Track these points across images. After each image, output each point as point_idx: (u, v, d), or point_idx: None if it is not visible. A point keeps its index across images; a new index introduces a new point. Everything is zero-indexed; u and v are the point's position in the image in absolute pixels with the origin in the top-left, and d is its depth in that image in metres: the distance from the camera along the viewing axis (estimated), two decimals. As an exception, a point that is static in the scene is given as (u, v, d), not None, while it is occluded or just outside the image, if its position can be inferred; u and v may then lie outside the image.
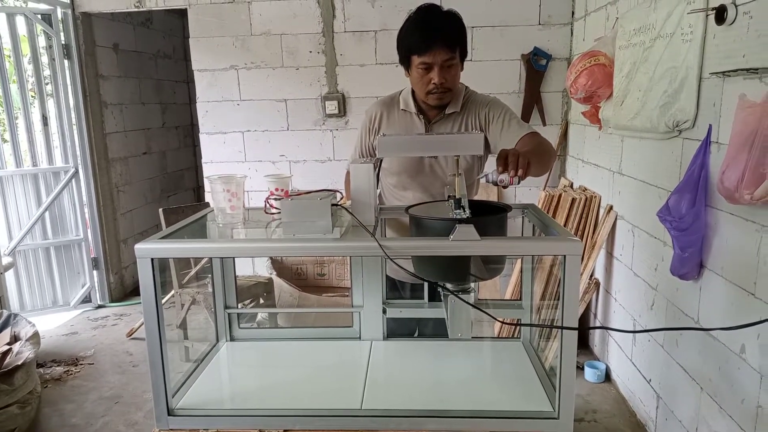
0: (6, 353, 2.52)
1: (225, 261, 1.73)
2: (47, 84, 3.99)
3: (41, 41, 3.88)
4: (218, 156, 3.86)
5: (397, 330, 1.82)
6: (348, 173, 1.91)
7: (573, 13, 3.49)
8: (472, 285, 1.40)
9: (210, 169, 3.87)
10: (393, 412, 1.32)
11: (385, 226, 1.79)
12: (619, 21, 2.61)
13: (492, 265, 1.37)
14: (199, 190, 5.90)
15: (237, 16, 3.64)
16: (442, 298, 1.49)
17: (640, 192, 2.50)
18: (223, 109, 3.78)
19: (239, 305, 1.79)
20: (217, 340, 1.75)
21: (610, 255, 2.93)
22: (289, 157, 3.83)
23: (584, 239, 3.01)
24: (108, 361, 3.34)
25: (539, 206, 2.68)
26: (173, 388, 1.38)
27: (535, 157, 1.49)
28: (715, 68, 1.82)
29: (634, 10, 2.45)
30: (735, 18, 1.71)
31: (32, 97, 3.96)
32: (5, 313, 2.90)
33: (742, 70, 1.64)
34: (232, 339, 1.76)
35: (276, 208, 1.48)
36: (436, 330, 1.88)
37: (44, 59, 3.92)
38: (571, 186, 3.48)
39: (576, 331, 1.22)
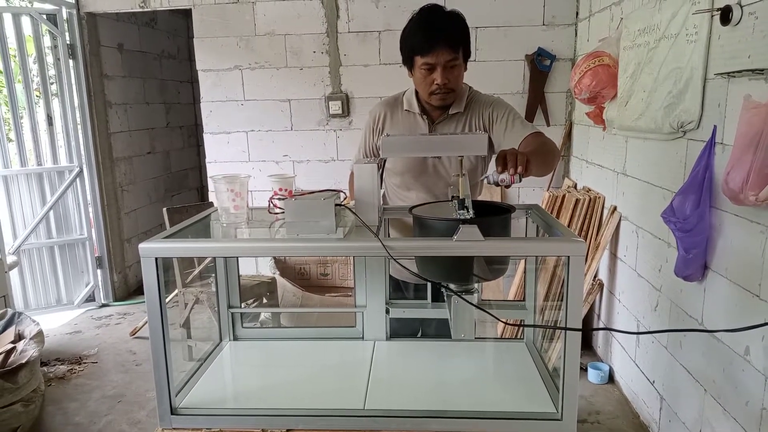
0: (10, 351, 2.53)
1: (228, 260, 1.73)
2: (52, 84, 4.00)
3: (46, 41, 3.89)
4: (222, 156, 3.86)
5: (400, 330, 1.82)
6: (352, 173, 1.91)
7: (577, 13, 3.48)
8: (476, 285, 1.40)
9: (214, 168, 3.88)
10: (396, 413, 1.32)
11: (388, 227, 1.79)
12: (624, 21, 2.60)
13: (495, 266, 1.37)
14: (202, 189, 5.91)
15: (241, 16, 3.64)
16: (445, 298, 1.49)
17: (644, 193, 2.49)
18: (227, 109, 3.79)
19: (242, 305, 1.79)
20: (221, 340, 1.75)
21: (614, 256, 2.92)
22: (293, 157, 3.84)
23: (588, 240, 3.01)
24: (111, 360, 3.35)
25: (543, 207, 2.66)
26: (176, 387, 1.39)
27: (538, 156, 1.49)
28: (720, 69, 1.81)
29: (639, 10, 2.45)
30: (740, 18, 1.71)
31: (37, 96, 3.98)
32: (9, 311, 2.91)
33: (747, 70, 1.63)
34: (235, 338, 1.77)
35: (280, 207, 1.49)
36: (439, 330, 1.88)
37: (49, 59, 3.94)
38: (575, 186, 3.47)
39: (580, 333, 1.21)
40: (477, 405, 1.36)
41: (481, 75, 3.52)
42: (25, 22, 3.78)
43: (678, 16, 2.05)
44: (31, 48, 3.89)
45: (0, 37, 3.64)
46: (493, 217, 1.40)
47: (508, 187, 1.37)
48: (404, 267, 1.26)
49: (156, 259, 1.24)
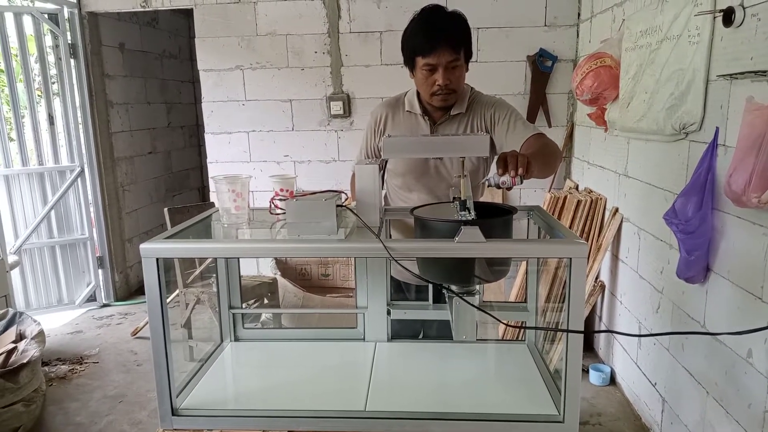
0: (11, 351, 2.53)
1: (230, 261, 1.73)
2: (53, 83, 4.00)
3: (48, 41, 3.90)
4: (223, 156, 3.86)
5: (402, 331, 1.82)
6: (353, 174, 1.91)
7: (579, 14, 3.47)
8: (477, 287, 1.40)
9: (215, 169, 3.88)
10: (397, 414, 1.32)
11: (389, 228, 1.79)
12: (626, 23, 2.60)
13: (497, 267, 1.37)
14: (203, 189, 5.91)
15: (243, 16, 3.64)
16: (446, 299, 1.49)
17: (646, 194, 2.49)
18: (228, 109, 3.79)
19: (243, 305, 1.79)
20: (222, 340, 1.75)
21: (615, 257, 2.91)
22: (294, 157, 3.84)
23: (589, 241, 3.00)
24: (112, 360, 3.35)
25: (544, 208, 2.66)
26: (177, 387, 1.38)
27: (540, 158, 1.48)
28: (722, 70, 1.81)
29: (641, 12, 2.44)
30: (743, 20, 1.70)
31: (39, 96, 3.98)
32: (11, 311, 2.91)
33: (749, 72, 1.63)
34: (236, 339, 1.76)
35: (281, 208, 1.48)
36: (441, 332, 1.88)
37: (51, 58, 3.94)
38: (577, 188, 3.47)
39: (582, 335, 1.21)
40: (478, 407, 1.35)
41: (482, 76, 3.51)
42: (27, 21, 3.78)
43: (680, 17, 2.05)
44: (32, 47, 3.89)
45: (2, 37, 3.64)
46: (494, 219, 1.39)
47: (509, 189, 1.36)
48: (405, 268, 1.26)
49: (157, 259, 1.24)
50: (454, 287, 1.36)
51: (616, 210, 2.86)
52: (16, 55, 3.80)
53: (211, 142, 3.86)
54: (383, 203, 1.80)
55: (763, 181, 1.48)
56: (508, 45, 3.54)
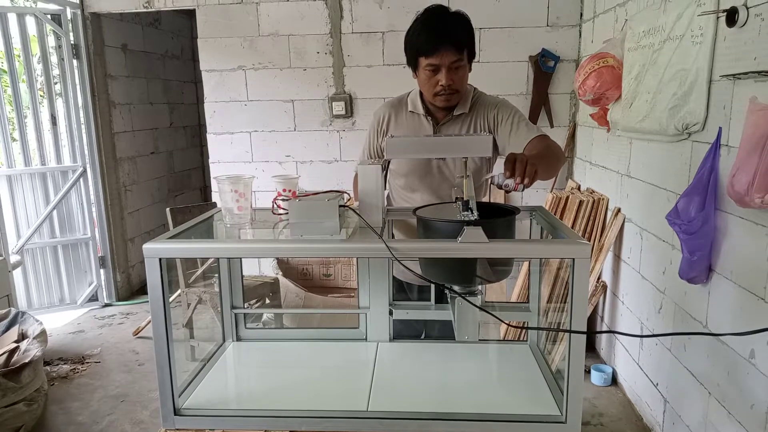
0: (13, 351, 2.54)
1: (232, 261, 1.73)
2: (56, 84, 4.01)
3: (51, 41, 3.90)
4: (225, 156, 3.87)
5: (404, 332, 1.82)
6: (356, 175, 1.91)
7: (581, 14, 3.47)
8: (479, 287, 1.39)
9: (217, 169, 3.88)
10: (399, 414, 1.31)
11: (392, 228, 1.79)
12: (628, 23, 2.59)
13: (499, 268, 1.36)
14: (206, 189, 5.92)
15: (245, 16, 3.65)
16: (448, 300, 1.48)
17: (648, 195, 2.49)
18: (230, 110, 3.79)
19: (245, 305, 1.79)
20: (224, 340, 1.75)
21: (617, 258, 2.91)
22: (296, 157, 3.84)
23: (592, 242, 3.00)
24: (114, 360, 3.35)
25: (546, 208, 2.65)
26: (180, 387, 1.38)
27: (543, 161, 1.48)
28: (725, 71, 1.81)
29: (644, 12, 2.44)
30: (746, 20, 1.70)
31: (41, 96, 3.99)
32: (13, 311, 2.91)
33: (753, 72, 1.63)
34: (238, 339, 1.76)
35: (283, 208, 1.48)
36: (443, 332, 1.88)
37: (53, 59, 3.95)
38: (579, 188, 3.46)
39: (584, 335, 1.21)
40: (480, 407, 1.35)
41: (485, 76, 3.51)
42: (30, 22, 3.79)
43: (683, 17, 2.05)
44: (35, 48, 3.90)
45: (4, 37, 3.65)
46: (497, 219, 1.39)
47: (508, 192, 1.36)
48: (408, 268, 1.26)
49: (160, 259, 1.24)
50: (456, 287, 1.36)
51: (618, 210, 2.85)
52: (19, 56, 3.80)
53: (213, 142, 3.87)
54: (386, 204, 1.80)
55: (767, 181, 1.48)
56: (511, 45, 3.54)
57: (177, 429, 1.32)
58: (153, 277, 1.24)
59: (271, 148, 3.84)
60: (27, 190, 3.90)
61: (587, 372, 2.95)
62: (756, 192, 1.51)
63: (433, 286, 1.74)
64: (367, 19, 3.59)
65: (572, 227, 3.03)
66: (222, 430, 1.31)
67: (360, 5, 3.57)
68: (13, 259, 3.50)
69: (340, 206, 1.32)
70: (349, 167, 3.74)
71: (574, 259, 1.18)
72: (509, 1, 3.48)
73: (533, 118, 3.57)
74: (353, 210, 1.43)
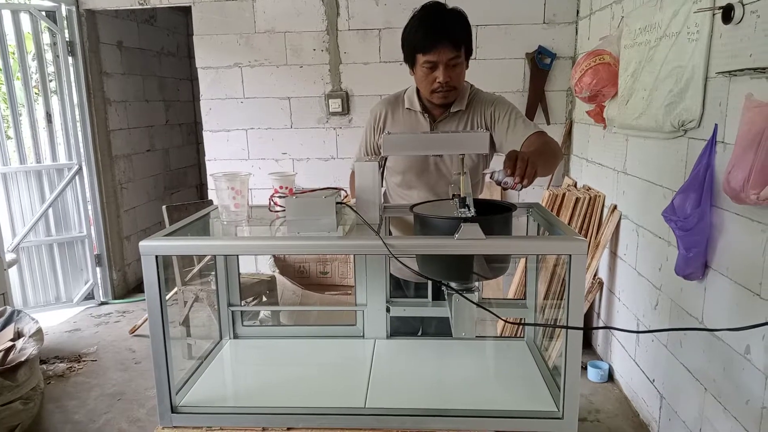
0: (9, 349, 2.53)
1: (229, 258, 1.72)
2: (51, 81, 3.99)
3: (45, 38, 3.88)
4: (222, 153, 3.86)
5: (401, 329, 1.82)
6: (353, 172, 1.90)
7: (578, 11, 3.47)
8: (476, 284, 1.40)
9: (213, 166, 3.87)
10: (396, 411, 1.32)
11: (389, 225, 1.79)
12: (625, 20, 2.60)
13: (496, 264, 1.37)
14: (202, 187, 5.91)
15: (241, 13, 3.63)
16: (445, 296, 1.49)
17: (644, 191, 2.49)
18: (226, 107, 3.78)
19: (242, 303, 1.79)
20: (221, 338, 1.74)
21: (614, 254, 2.92)
22: (293, 155, 3.83)
23: (588, 239, 3.00)
24: (111, 358, 3.34)
25: (543, 205, 2.66)
26: (177, 385, 1.38)
27: (541, 158, 1.48)
28: (721, 68, 1.81)
29: (640, 8, 2.44)
30: (742, 17, 1.70)
31: (36, 94, 3.97)
32: (8, 309, 2.90)
33: (749, 69, 1.63)
34: (235, 336, 1.76)
35: (280, 206, 1.48)
36: (440, 329, 1.88)
37: (48, 56, 3.93)
38: (575, 185, 3.47)
39: (581, 331, 1.21)
40: (477, 403, 1.36)
41: (481, 73, 3.51)
42: (24, 19, 3.77)
43: (679, 14, 2.05)
44: (30, 45, 3.88)
45: (-1, 34, 3.63)
46: (494, 216, 1.40)
47: (505, 189, 1.36)
48: (405, 265, 1.26)
49: (156, 256, 1.23)
50: (453, 284, 1.36)
51: (615, 207, 2.86)
52: (14, 53, 3.78)
53: (209, 139, 3.85)
54: (383, 201, 1.80)
55: (762, 177, 1.49)
56: (507, 42, 3.54)
57: (174, 427, 1.32)
58: (150, 275, 1.24)
59: (267, 146, 3.83)
60: (22, 188, 3.88)
61: (584, 368, 2.96)
62: (752, 188, 1.51)
63: (430, 283, 1.74)
64: (363, 16, 3.58)
65: (569, 224, 3.03)
66: (219, 427, 1.31)
67: (356, 2, 3.56)
68: (9, 257, 3.48)
69: (337, 203, 1.31)
70: (345, 164, 3.74)
71: (570, 255, 1.18)
72: (506, -2, 3.48)
73: (530, 115, 3.57)
74: (350, 207, 1.42)
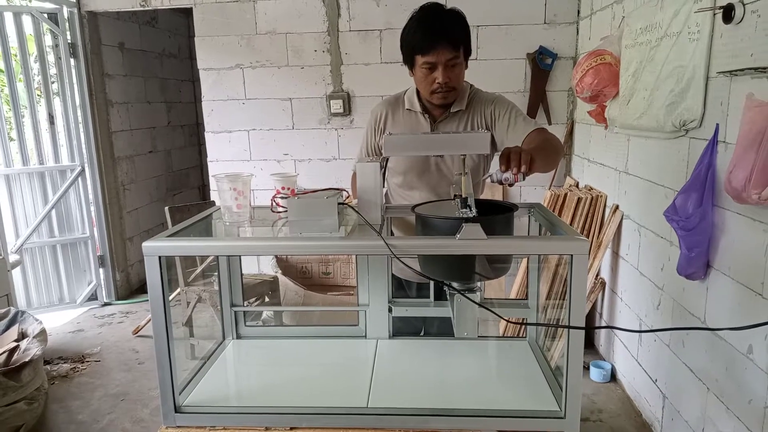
0: (13, 350, 2.54)
1: (231, 259, 1.73)
2: (53, 83, 4.01)
3: (47, 40, 3.90)
4: (223, 155, 3.87)
5: (403, 329, 1.82)
6: (355, 173, 1.91)
7: (579, 11, 3.47)
8: (478, 284, 1.40)
9: (215, 167, 3.88)
10: (399, 411, 1.32)
11: (391, 225, 1.79)
12: (626, 20, 2.60)
13: (498, 264, 1.37)
14: (204, 188, 5.92)
15: (242, 15, 3.64)
16: (447, 297, 1.49)
17: (646, 191, 2.49)
18: (228, 108, 3.79)
19: (245, 303, 1.79)
20: (224, 338, 1.75)
21: (616, 254, 2.92)
22: (294, 156, 3.84)
23: (590, 239, 3.00)
24: (114, 359, 3.35)
25: (545, 205, 2.66)
26: (180, 385, 1.39)
27: (541, 153, 1.49)
28: (722, 67, 1.81)
29: (641, 8, 2.44)
30: (743, 17, 1.70)
31: (39, 95, 3.98)
32: (12, 310, 2.91)
33: (749, 69, 1.63)
34: (238, 337, 1.77)
35: (282, 206, 1.49)
36: (442, 329, 1.88)
37: (50, 58, 3.94)
38: (577, 185, 3.47)
39: (583, 331, 1.22)
40: (479, 403, 1.36)
41: (482, 73, 3.51)
42: (27, 21, 3.78)
43: (680, 14, 2.05)
44: (32, 47, 3.89)
45: (1, 36, 3.64)
46: (495, 216, 1.40)
47: (511, 185, 1.36)
48: (406, 265, 1.26)
49: (159, 257, 1.24)
50: (455, 284, 1.37)
51: (617, 207, 2.86)
52: (16, 55, 3.80)
53: (211, 140, 3.86)
54: (384, 201, 1.81)
55: (764, 177, 1.49)
56: (508, 42, 3.54)
57: (178, 426, 1.33)
58: (153, 275, 1.25)
59: (269, 147, 3.84)
60: (25, 190, 3.90)
61: (586, 368, 2.96)
62: (753, 188, 1.51)
63: (432, 284, 1.74)
64: (364, 17, 3.59)
65: (571, 224, 3.03)
66: (222, 427, 1.32)
67: (357, 3, 3.57)
68: (12, 258, 3.49)
69: (339, 204, 1.32)
70: (347, 165, 3.74)
71: (572, 255, 1.19)
72: (507, -1, 3.49)
73: (531, 115, 3.57)
74: (352, 207, 1.43)
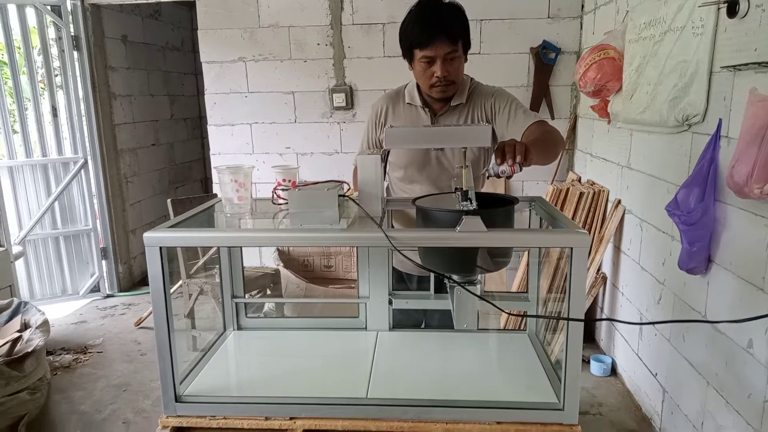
0: (16, 340, 2.55)
1: (232, 251, 1.74)
2: (57, 75, 4.01)
3: (51, 33, 3.90)
4: (226, 148, 3.87)
5: (404, 322, 1.83)
6: (356, 168, 1.91)
7: (583, 6, 3.46)
8: (478, 277, 1.40)
9: (218, 160, 3.88)
10: (399, 401, 1.33)
11: (391, 219, 1.80)
12: (629, 14, 2.59)
13: (498, 257, 1.37)
14: (206, 181, 5.93)
15: (245, 8, 3.64)
16: (447, 289, 1.50)
17: (648, 186, 2.49)
18: (231, 101, 3.79)
19: (246, 296, 1.80)
20: (225, 329, 1.76)
21: (617, 249, 2.92)
22: (297, 149, 3.84)
23: (592, 233, 3.00)
24: (116, 350, 3.37)
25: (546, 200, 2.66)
26: (181, 375, 1.40)
27: (540, 144, 1.48)
28: (726, 62, 1.80)
29: (645, 3, 2.43)
30: (747, 11, 1.70)
31: (42, 88, 3.99)
32: (15, 301, 2.93)
33: (753, 63, 1.63)
34: (239, 328, 1.78)
35: (283, 198, 1.49)
36: (443, 323, 1.89)
37: (53, 51, 3.94)
38: (579, 180, 3.47)
39: (582, 323, 1.22)
40: (479, 394, 1.36)
41: (485, 68, 3.51)
42: (30, 13, 3.78)
43: (684, 8, 2.04)
44: (35, 40, 3.90)
45: (5, 29, 3.65)
46: (496, 209, 1.40)
47: (509, 178, 1.36)
48: (406, 257, 1.27)
49: (160, 248, 1.25)
50: (455, 277, 1.37)
51: (619, 202, 2.86)
52: (19, 47, 3.80)
53: (213, 133, 3.87)
54: (385, 195, 1.81)
55: (766, 172, 1.48)
56: (512, 37, 3.53)
57: (178, 415, 1.34)
58: (154, 266, 1.25)
59: (271, 140, 3.84)
60: (29, 182, 3.91)
61: (587, 362, 2.97)
62: (755, 183, 1.51)
63: (432, 276, 1.75)
64: (367, 10, 3.58)
65: (572, 219, 3.03)
66: (223, 416, 1.33)
67: (361, -4, 3.56)
68: (16, 249, 3.51)
69: (340, 196, 1.32)
70: (349, 159, 3.74)
71: (572, 248, 1.19)
72: (510, -8, 3.47)
73: (534, 110, 3.56)
74: (352, 200, 1.43)
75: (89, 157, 4.11)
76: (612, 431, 2.47)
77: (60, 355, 3.29)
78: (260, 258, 3.94)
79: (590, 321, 3.20)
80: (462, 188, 1.34)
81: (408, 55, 1.74)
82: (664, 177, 2.32)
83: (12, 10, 3.69)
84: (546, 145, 1.55)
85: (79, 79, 4.00)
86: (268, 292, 3.38)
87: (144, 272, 4.62)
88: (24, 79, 3.86)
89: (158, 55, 5.04)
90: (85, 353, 3.33)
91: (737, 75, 1.76)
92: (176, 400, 1.34)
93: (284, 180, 1.53)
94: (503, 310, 1.40)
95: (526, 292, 1.68)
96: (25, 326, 2.74)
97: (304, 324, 1.81)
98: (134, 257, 4.60)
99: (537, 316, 1.70)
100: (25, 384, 2.43)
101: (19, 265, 3.79)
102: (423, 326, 2.00)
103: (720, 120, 1.84)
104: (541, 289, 1.65)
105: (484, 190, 1.99)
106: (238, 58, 3.72)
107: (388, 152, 1.83)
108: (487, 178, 1.44)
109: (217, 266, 1.76)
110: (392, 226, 1.81)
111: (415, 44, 1.68)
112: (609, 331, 3.07)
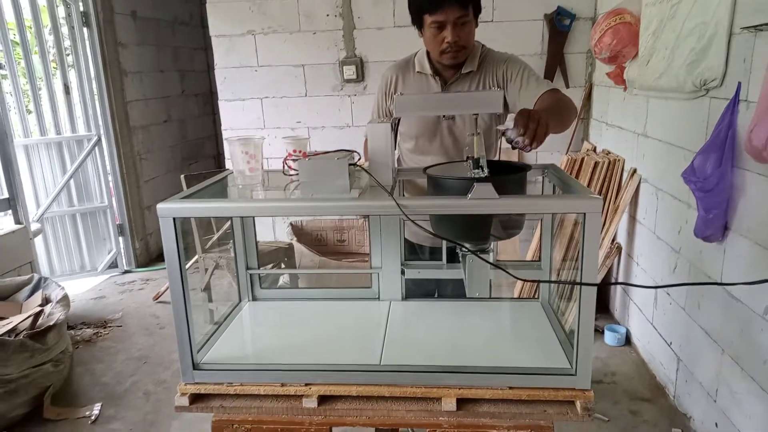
0: (38, 315, 2.62)
1: (246, 223, 1.75)
2: (68, 54, 4.02)
3: (60, 11, 3.89)
4: (237, 123, 3.87)
5: (416, 292, 1.83)
6: (366, 139, 1.90)
7: (598, -31, 3.36)
8: (491, 245, 1.40)
9: (229, 136, 3.89)
10: (412, 368, 1.34)
11: (403, 190, 1.79)
12: (647, -24, 2.51)
13: (510, 224, 1.36)
14: (219, 157, 5.95)
15: (253, -21, 3.59)
16: (460, 258, 1.49)
17: (664, 154, 2.45)
18: (241, 76, 3.78)
19: (260, 269, 1.82)
20: (240, 300, 1.78)
21: (632, 219, 2.89)
22: (308, 123, 3.83)
23: (607, 203, 2.97)
24: (135, 324, 3.44)
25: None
26: (198, 344, 1.42)
27: (554, 117, 1.46)
28: (746, 22, 1.75)
29: (663, -37, 2.35)
30: (769, -33, 1.63)
31: (54, 67, 4.00)
32: (36, 276, 2.99)
33: (775, 22, 1.57)
34: (254, 299, 1.80)
35: (294, 169, 1.49)
36: (456, 292, 1.89)
37: (64, 29, 3.94)
38: (594, 150, 3.42)
39: (595, 288, 1.21)
40: (490, 361, 1.37)
41: (499, 36, 3.44)
42: (39, -10, 3.78)
43: (704, -33, 1.97)
44: (45, 18, 3.89)
45: (15, 9, 3.64)
46: (508, 176, 1.39)
47: (514, 148, 1.34)
48: (418, 225, 1.26)
49: (174, 219, 1.26)
50: (467, 245, 1.37)
51: (634, 171, 2.82)
52: (30, 27, 3.80)
53: (225, 109, 3.86)
54: (396, 165, 1.80)
55: (785, 134, 1.45)
56: (525, 3, 3.45)
57: (196, 383, 1.36)
58: (168, 237, 1.26)
59: (282, 115, 3.83)
60: (44, 160, 3.96)
61: (601, 332, 2.97)
62: (774, 146, 1.48)
63: (444, 246, 1.74)
64: (377, -21, 3.51)
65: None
66: (240, 383, 1.35)
67: (370, -35, 3.49)
68: (34, 226, 3.57)
69: (350, 165, 1.32)
70: (360, 132, 3.72)
71: (585, 213, 1.18)
72: (523, -43, 3.38)
73: (548, 78, 3.49)
74: (363, 169, 1.43)
75: (102, 135, 4.15)
76: (626, 399, 2.48)
77: (81, 329, 3.37)
78: (273, 233, 3.96)
79: (603, 285, 3.19)
80: (473, 156, 1.33)
81: (417, 21, 1.71)
82: (680, 144, 2.28)
83: (21, -13, 3.69)
84: (560, 115, 1.53)
85: (90, 56, 4.01)
86: (283, 265, 3.41)
87: (160, 248, 4.68)
88: (36, 59, 3.87)
89: (167, 30, 5.02)
90: (105, 327, 3.40)
91: (758, 36, 1.71)
92: (194, 368, 1.36)
93: (295, 150, 1.53)
94: (515, 276, 1.40)
95: (539, 260, 1.67)
96: (46, 301, 2.80)
97: (318, 294, 1.83)
98: (150, 234, 4.65)
99: (549, 282, 1.70)
100: (49, 356, 2.50)
101: (38, 242, 3.86)
102: (436, 297, 2.00)
103: (739, 83, 1.79)
104: (555, 259, 1.64)
105: (495, 158, 1.97)
106: (247, 31, 3.68)
107: (399, 121, 1.81)
108: (500, 136, 1.41)
109: (232, 239, 1.78)
110: (404, 197, 1.80)
111: (425, 9, 1.65)
112: (623, 302, 3.07)
